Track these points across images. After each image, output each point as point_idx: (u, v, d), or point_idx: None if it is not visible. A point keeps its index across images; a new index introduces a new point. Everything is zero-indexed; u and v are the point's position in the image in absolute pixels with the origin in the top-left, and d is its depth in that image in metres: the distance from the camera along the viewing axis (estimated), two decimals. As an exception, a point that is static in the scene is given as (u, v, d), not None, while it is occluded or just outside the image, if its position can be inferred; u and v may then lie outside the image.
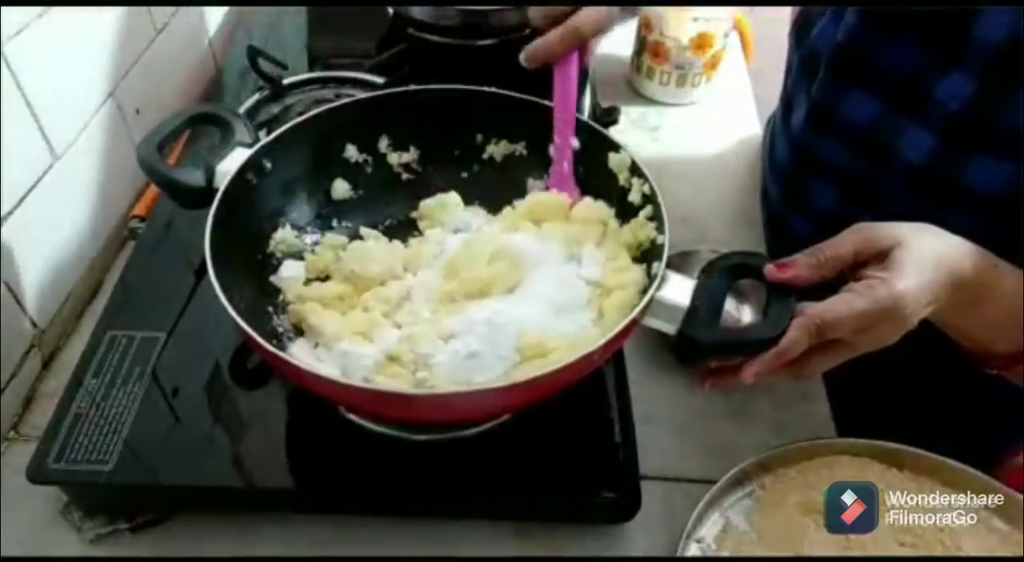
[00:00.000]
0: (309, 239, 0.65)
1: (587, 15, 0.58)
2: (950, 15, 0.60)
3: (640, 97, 1.03)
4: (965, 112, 0.60)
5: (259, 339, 0.48)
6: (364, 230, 0.66)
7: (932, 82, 0.62)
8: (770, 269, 0.50)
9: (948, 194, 0.63)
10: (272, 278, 0.61)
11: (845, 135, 0.70)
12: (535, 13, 0.60)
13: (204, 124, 0.64)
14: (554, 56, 0.59)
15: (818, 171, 0.74)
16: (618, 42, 1.08)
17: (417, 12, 0.82)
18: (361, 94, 0.76)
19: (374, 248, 0.63)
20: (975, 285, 0.50)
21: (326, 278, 0.63)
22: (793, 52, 0.81)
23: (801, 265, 0.50)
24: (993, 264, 0.51)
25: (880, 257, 0.49)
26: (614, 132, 0.65)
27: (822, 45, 0.72)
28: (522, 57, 0.60)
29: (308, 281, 0.62)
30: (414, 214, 0.69)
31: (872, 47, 0.65)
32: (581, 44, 0.59)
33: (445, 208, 0.67)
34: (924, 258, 0.48)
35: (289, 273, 0.61)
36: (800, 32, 0.78)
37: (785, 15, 0.91)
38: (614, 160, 0.62)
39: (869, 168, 0.69)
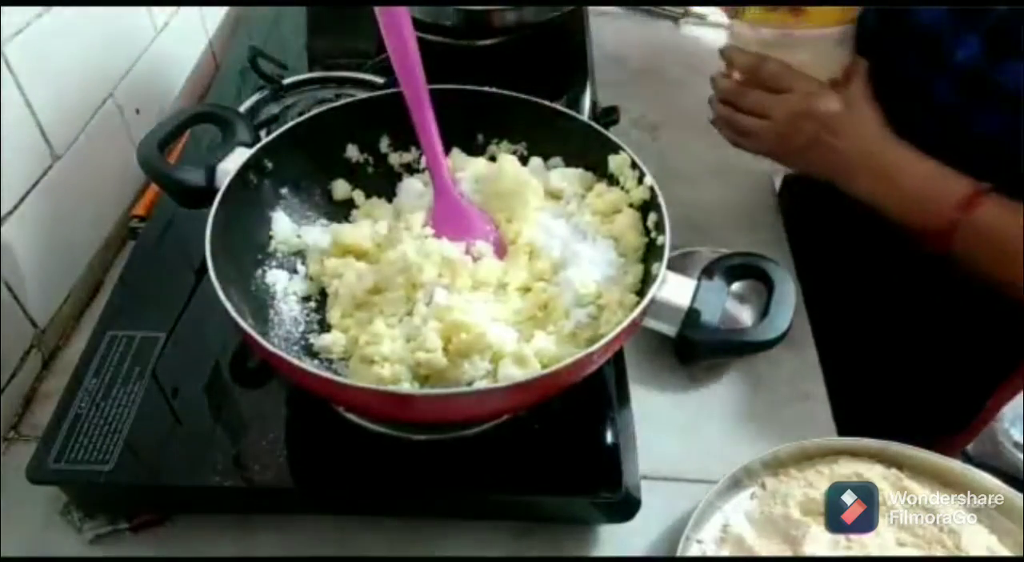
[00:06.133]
0: (310, 239, 0.65)
1: None
2: None
3: (640, 96, 1.03)
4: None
5: (259, 339, 0.48)
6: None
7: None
8: None
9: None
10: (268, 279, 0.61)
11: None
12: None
13: (204, 124, 0.64)
14: None
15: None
16: (618, 42, 1.08)
17: (417, 12, 0.82)
18: (361, 94, 0.76)
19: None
20: (893, 157, 0.64)
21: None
22: None
23: None
24: (913, 150, 0.64)
25: None
26: (614, 132, 0.64)
27: None
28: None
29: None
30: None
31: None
32: None
33: None
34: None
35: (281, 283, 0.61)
36: None
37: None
38: (614, 160, 0.62)
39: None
